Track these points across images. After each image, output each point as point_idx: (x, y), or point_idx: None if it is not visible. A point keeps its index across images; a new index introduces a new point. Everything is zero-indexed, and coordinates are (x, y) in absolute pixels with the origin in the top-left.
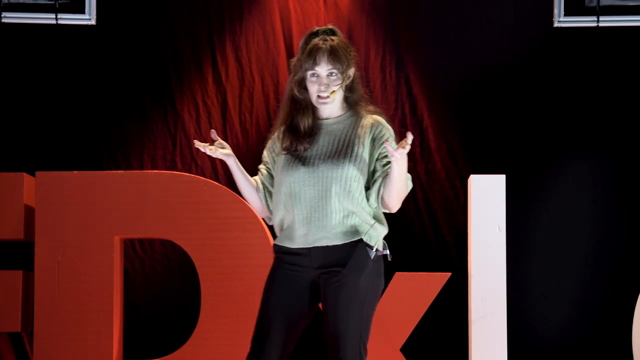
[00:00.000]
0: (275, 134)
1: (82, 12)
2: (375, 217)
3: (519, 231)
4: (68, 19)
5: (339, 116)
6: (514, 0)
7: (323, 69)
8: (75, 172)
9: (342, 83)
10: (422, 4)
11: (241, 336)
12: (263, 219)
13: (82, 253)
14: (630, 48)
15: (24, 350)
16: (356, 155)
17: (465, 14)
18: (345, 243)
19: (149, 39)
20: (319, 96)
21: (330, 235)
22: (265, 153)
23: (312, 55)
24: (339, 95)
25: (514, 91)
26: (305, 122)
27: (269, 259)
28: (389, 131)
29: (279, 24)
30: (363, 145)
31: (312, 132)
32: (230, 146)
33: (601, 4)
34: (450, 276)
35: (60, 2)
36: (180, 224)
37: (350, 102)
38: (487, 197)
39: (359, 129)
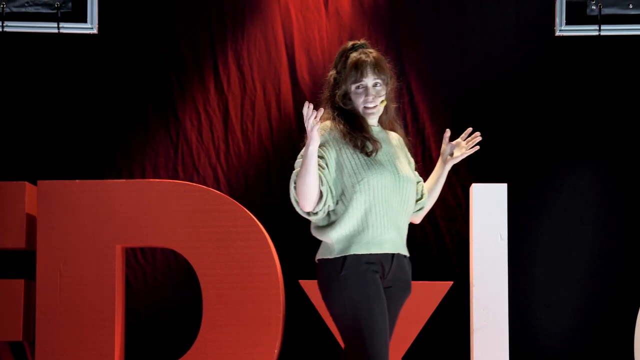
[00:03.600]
0: (327, 132)
1: (84, 21)
2: None
3: (520, 239)
4: (70, 28)
5: (377, 126)
6: (515, 9)
7: (369, 80)
8: (77, 181)
9: (386, 94)
10: (423, 13)
11: (243, 345)
12: (297, 212)
13: (84, 262)
14: (632, 57)
15: (26, 359)
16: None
17: (466, 23)
18: (406, 257)
19: (151, 47)
20: (365, 107)
21: (405, 245)
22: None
23: (358, 68)
24: (383, 106)
25: (516, 100)
26: (362, 126)
27: (270, 268)
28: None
29: (281, 33)
30: (407, 156)
31: (373, 137)
32: (232, 155)
33: (603, 13)
34: (452, 285)
35: (62, 11)
36: (182, 233)
37: (386, 118)
38: (489, 205)
39: (401, 142)
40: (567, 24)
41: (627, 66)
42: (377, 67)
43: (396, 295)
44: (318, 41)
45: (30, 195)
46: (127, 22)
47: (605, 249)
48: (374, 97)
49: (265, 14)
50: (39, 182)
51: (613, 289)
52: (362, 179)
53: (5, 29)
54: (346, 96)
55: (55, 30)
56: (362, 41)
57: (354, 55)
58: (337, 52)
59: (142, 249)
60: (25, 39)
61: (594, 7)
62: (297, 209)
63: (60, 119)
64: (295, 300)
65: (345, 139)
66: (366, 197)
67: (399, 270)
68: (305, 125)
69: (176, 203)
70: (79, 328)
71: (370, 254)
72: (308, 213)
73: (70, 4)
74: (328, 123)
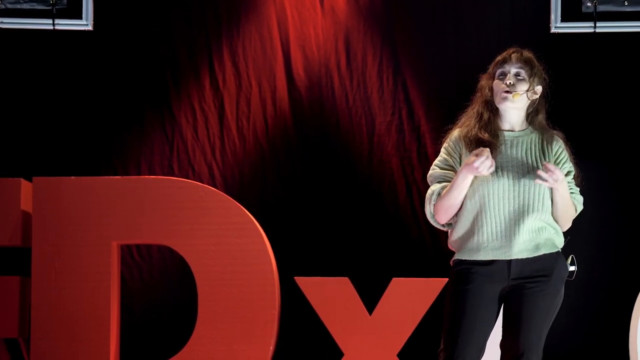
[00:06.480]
0: (451, 140)
1: (80, 17)
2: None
3: None
4: (65, 24)
5: (522, 130)
6: (511, 6)
7: (512, 67)
8: (73, 177)
9: (527, 89)
10: (419, 10)
11: (238, 342)
12: (433, 224)
13: (79, 259)
14: (627, 54)
15: (21, 356)
16: None
17: (462, 20)
18: (544, 254)
19: (146, 44)
20: (501, 92)
21: (530, 248)
22: (446, 157)
23: (503, 57)
24: (521, 103)
25: None
26: (490, 129)
27: (265, 265)
28: (565, 152)
29: (276, 30)
30: (552, 163)
31: (497, 141)
32: (228, 152)
33: (598, 10)
34: (448, 282)
35: (57, 7)
36: (177, 229)
37: (534, 123)
38: None
39: (545, 146)
40: (562, 21)
41: (622, 63)
42: (523, 60)
43: (528, 293)
44: (313, 38)
45: (26, 192)
46: (122, 19)
47: (601, 248)
48: (511, 83)
49: (260, 10)
50: (34, 178)
51: (610, 288)
52: (469, 187)
53: (0, 25)
54: (490, 88)
55: (50, 27)
56: (527, 50)
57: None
58: (332, 49)
59: (137, 246)
60: (20, 35)
61: (589, 4)
62: (432, 221)
63: (55, 116)
64: (291, 297)
65: (466, 143)
66: (474, 204)
67: (525, 269)
68: (478, 164)
69: (171, 200)
70: (74, 325)
71: (476, 260)
72: (443, 225)
73: (65, 1)
74: (456, 132)
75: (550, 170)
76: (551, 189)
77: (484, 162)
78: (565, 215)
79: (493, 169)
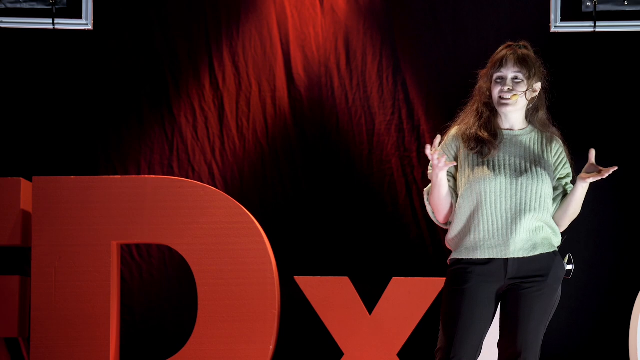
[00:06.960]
0: (447, 139)
1: (79, 17)
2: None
3: None
4: (65, 24)
5: (522, 129)
6: (510, 5)
7: (509, 71)
8: (72, 177)
9: (526, 90)
10: (418, 9)
11: (238, 341)
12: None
13: (79, 258)
14: (627, 53)
15: (21, 356)
16: (549, 172)
17: (461, 20)
18: (541, 254)
19: (146, 44)
20: (500, 97)
21: (527, 247)
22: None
23: (500, 59)
24: (521, 104)
25: None
26: (489, 128)
27: (265, 264)
28: (565, 153)
29: (276, 30)
30: (552, 162)
31: (496, 140)
32: (227, 151)
33: (598, 9)
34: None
35: (57, 7)
36: (177, 229)
37: (534, 121)
38: None
39: (545, 145)
40: (562, 20)
41: (622, 63)
42: (520, 62)
43: (525, 293)
44: (313, 38)
45: (26, 192)
46: (122, 19)
47: (601, 247)
48: (509, 89)
49: (260, 10)
50: (34, 178)
51: (610, 288)
52: (465, 184)
53: (0, 25)
54: (489, 90)
55: (50, 27)
56: (523, 43)
57: (502, 49)
58: (332, 49)
59: (137, 246)
60: (20, 35)
61: (589, 4)
62: (434, 220)
63: (55, 115)
64: (291, 296)
65: (464, 140)
66: (470, 202)
67: (522, 269)
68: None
69: (171, 199)
70: (74, 324)
71: (473, 259)
72: (445, 223)
73: (65, 0)
74: (453, 131)
75: (608, 170)
76: (560, 187)
77: (433, 157)
78: (574, 214)
79: (444, 157)
